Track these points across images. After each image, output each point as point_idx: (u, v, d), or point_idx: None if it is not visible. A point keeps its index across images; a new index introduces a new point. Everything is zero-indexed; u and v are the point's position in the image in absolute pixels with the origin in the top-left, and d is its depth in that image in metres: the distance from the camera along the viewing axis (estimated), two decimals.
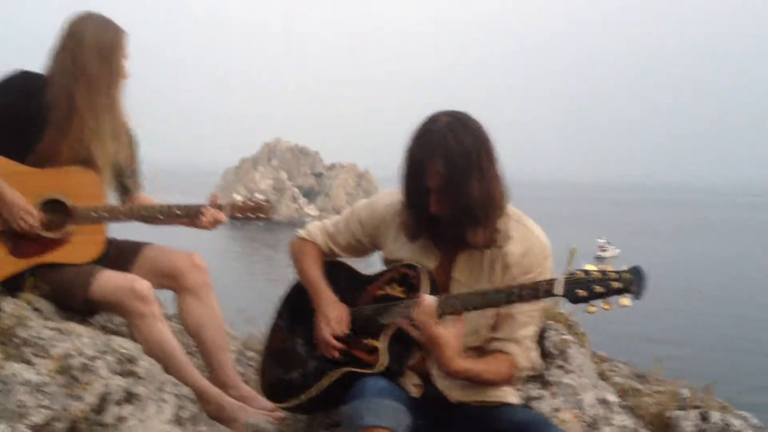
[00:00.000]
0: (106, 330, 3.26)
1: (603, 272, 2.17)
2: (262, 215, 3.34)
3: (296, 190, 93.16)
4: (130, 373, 2.66)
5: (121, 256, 3.24)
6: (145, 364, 2.74)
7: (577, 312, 3.85)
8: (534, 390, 3.40)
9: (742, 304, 45.45)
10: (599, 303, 2.16)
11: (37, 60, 3.16)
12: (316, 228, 2.92)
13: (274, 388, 2.94)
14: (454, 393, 2.57)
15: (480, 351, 2.58)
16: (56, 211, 3.06)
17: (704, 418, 3.47)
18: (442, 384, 2.57)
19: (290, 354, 2.89)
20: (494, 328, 2.56)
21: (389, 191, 2.76)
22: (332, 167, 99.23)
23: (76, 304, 3.05)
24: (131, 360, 2.70)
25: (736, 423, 3.46)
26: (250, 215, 3.33)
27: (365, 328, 2.63)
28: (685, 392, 3.78)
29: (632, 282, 2.12)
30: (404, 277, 2.60)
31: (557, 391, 3.39)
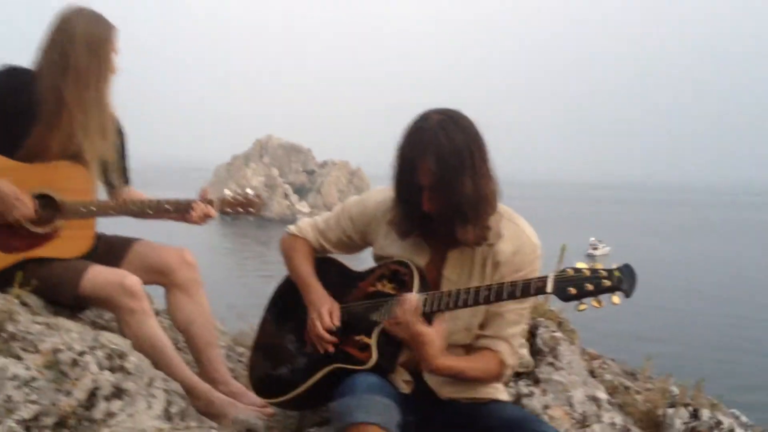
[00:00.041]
0: (95, 325, 3.25)
1: (593, 270, 2.17)
2: (252, 210, 3.33)
3: (288, 187, 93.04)
4: (120, 369, 2.65)
5: (110, 251, 3.23)
6: (135, 359, 2.73)
7: (567, 309, 3.85)
8: (524, 387, 3.41)
9: (738, 304, 45.54)
10: (590, 301, 2.16)
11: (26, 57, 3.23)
12: (307, 224, 2.92)
13: (263, 384, 2.94)
14: (445, 390, 2.58)
15: (470, 348, 2.59)
16: (45, 206, 3.04)
17: (694, 415, 3.48)
18: (432, 381, 2.57)
19: (280, 350, 2.89)
20: (483, 325, 2.57)
21: (381, 188, 2.75)
22: (324, 164, 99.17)
23: (66, 299, 3.04)
24: (120, 355, 2.69)
25: (726, 421, 3.47)
26: (240, 210, 3.33)
27: (356, 325, 2.63)
28: (675, 390, 3.79)
29: (622, 280, 2.12)
30: (395, 274, 2.60)
31: (547, 388, 3.40)
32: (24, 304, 2.90)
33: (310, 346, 2.74)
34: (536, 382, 3.45)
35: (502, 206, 2.56)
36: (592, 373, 3.89)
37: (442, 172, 2.36)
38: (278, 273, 3.05)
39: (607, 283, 2.13)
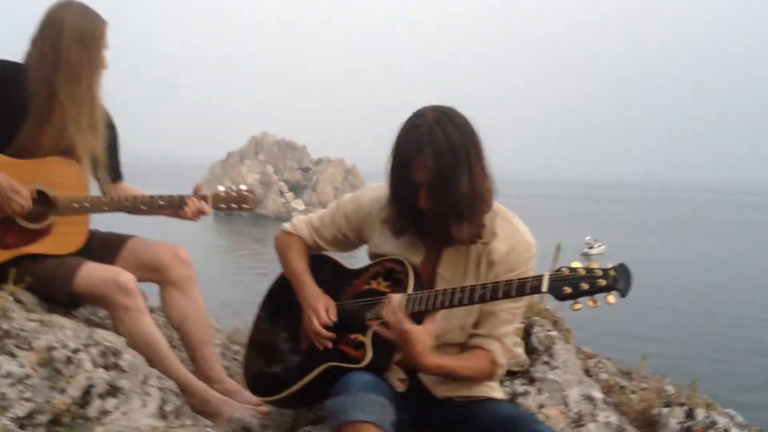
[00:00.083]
0: (89, 323, 3.24)
1: (589, 270, 2.17)
2: (246, 205, 3.32)
3: (283, 184, 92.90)
4: (114, 366, 2.64)
5: (105, 248, 3.22)
6: (129, 357, 2.72)
7: (562, 308, 3.85)
8: (519, 386, 3.40)
9: (737, 304, 45.49)
10: (585, 300, 2.16)
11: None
12: (302, 222, 2.91)
13: (258, 382, 2.93)
14: (439, 388, 2.57)
15: (464, 347, 2.59)
16: (38, 202, 3.03)
17: (689, 415, 3.48)
18: (427, 379, 2.57)
19: (274, 348, 2.88)
20: (476, 324, 2.56)
21: (376, 185, 2.74)
22: (319, 162, 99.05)
23: (60, 296, 3.04)
24: (115, 353, 2.69)
25: (722, 420, 3.47)
26: (233, 205, 3.32)
27: (351, 323, 2.62)
28: (671, 389, 3.79)
29: (618, 279, 2.12)
30: (390, 272, 2.59)
31: (543, 387, 3.40)
32: (18, 301, 2.89)
33: (305, 343, 2.74)
34: (531, 381, 3.45)
35: (497, 205, 2.56)
36: (588, 372, 3.89)
37: (440, 170, 2.35)
38: (273, 270, 3.05)
39: (603, 282, 2.13)
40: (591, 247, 59.15)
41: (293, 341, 2.81)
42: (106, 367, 2.62)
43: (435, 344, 2.45)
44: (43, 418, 2.36)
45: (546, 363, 3.54)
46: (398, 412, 2.30)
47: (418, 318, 2.39)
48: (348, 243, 2.84)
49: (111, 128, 3.28)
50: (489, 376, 2.59)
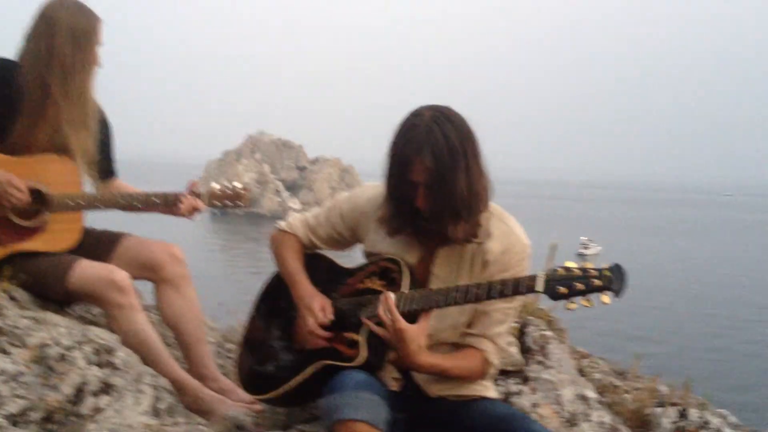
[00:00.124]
0: (83, 320, 3.23)
1: (583, 269, 2.17)
2: (240, 203, 3.31)
3: (279, 183, 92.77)
4: (108, 364, 2.64)
5: (99, 246, 3.21)
6: (123, 355, 2.72)
7: (557, 308, 3.86)
8: (513, 385, 3.41)
9: (735, 304, 45.48)
10: (579, 300, 2.16)
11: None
12: (297, 220, 2.90)
13: (251, 381, 2.92)
14: (433, 387, 2.57)
15: (457, 346, 2.59)
16: (33, 199, 3.02)
17: (683, 415, 3.49)
18: (420, 378, 2.57)
19: (268, 346, 2.88)
20: (470, 323, 2.57)
21: (372, 184, 2.74)
22: (316, 161, 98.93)
23: (54, 293, 3.03)
24: (108, 351, 2.68)
25: (715, 421, 3.48)
26: (228, 203, 3.31)
27: (345, 322, 2.62)
28: (664, 389, 3.79)
29: (612, 279, 2.12)
30: (385, 271, 2.59)
31: (536, 386, 3.40)
32: (12, 298, 2.88)
33: (298, 342, 2.74)
34: (525, 380, 3.45)
35: (492, 205, 2.56)
36: (582, 372, 3.89)
37: (438, 169, 2.35)
38: (269, 269, 3.04)
39: (598, 282, 2.13)
40: (586, 248, 59.16)
41: (287, 340, 2.81)
42: (100, 365, 2.61)
43: (428, 343, 2.46)
44: (36, 416, 2.36)
45: (540, 362, 3.54)
46: (392, 410, 2.30)
47: (412, 317, 2.39)
48: (343, 242, 2.84)
49: (105, 125, 3.28)
50: (481, 376, 2.59)
